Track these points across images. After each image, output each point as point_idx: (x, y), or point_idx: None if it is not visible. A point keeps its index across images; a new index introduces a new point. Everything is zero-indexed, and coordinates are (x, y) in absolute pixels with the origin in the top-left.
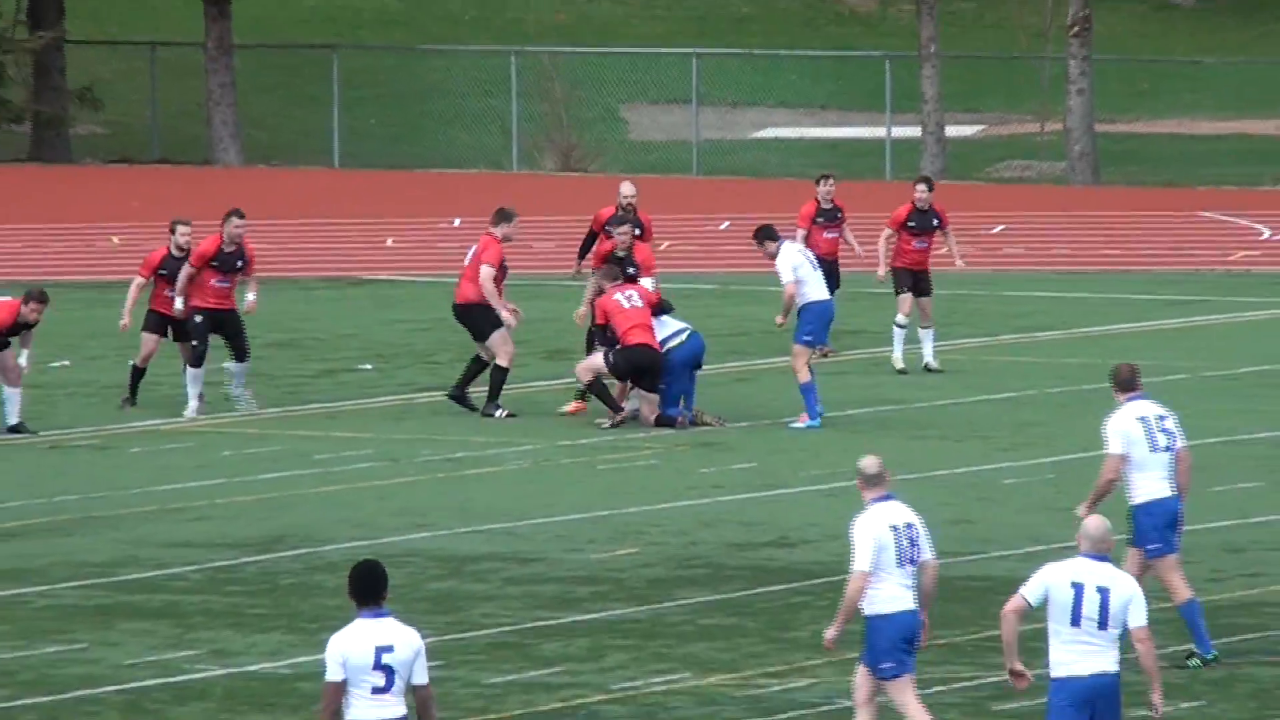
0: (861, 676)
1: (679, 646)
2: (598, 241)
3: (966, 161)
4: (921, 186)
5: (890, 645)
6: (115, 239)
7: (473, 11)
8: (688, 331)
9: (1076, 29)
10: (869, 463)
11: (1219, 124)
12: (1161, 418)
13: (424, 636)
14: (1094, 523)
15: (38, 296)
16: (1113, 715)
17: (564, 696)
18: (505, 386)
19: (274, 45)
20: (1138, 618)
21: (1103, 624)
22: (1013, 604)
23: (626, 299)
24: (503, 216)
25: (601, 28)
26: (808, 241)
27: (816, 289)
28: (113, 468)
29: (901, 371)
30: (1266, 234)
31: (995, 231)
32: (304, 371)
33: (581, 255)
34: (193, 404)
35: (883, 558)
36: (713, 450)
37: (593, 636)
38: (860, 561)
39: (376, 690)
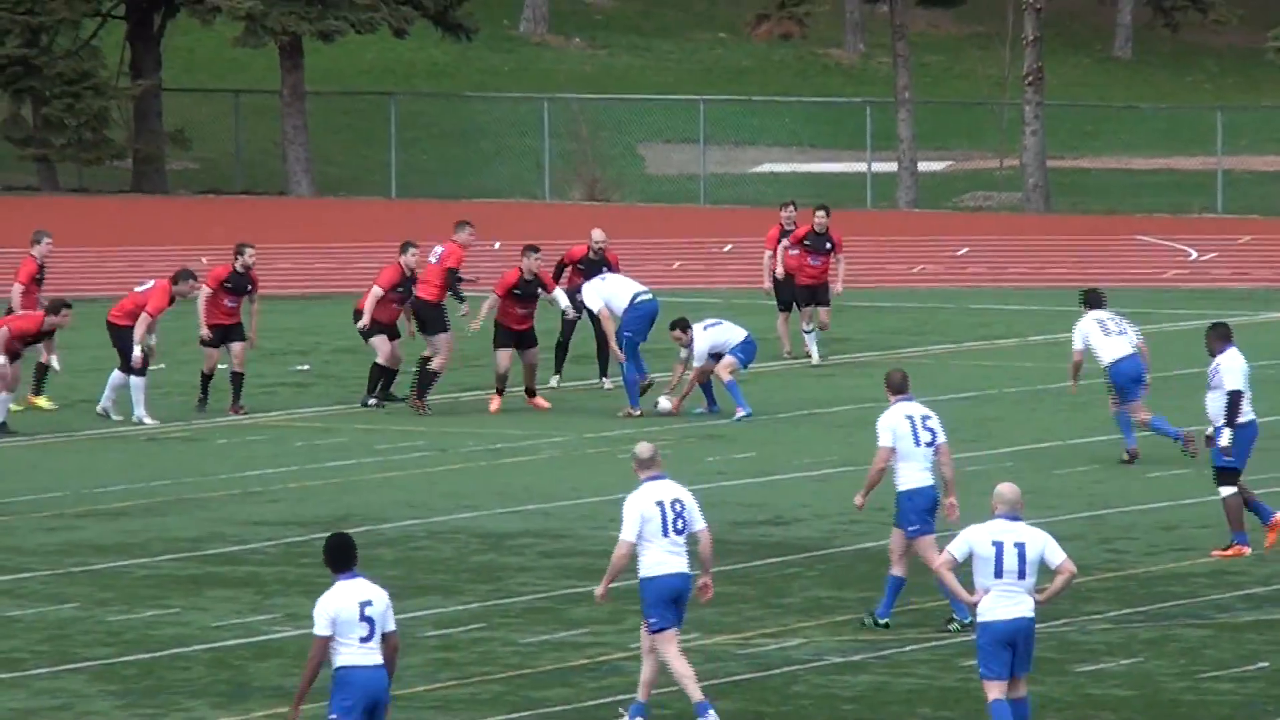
0: (643, 631)
1: (688, 611)
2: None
3: (935, 192)
4: (820, 213)
5: (656, 601)
6: (205, 259)
7: (511, 64)
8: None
9: (1031, 79)
10: (643, 448)
11: (1153, 160)
12: (925, 417)
13: (467, 603)
14: (1008, 488)
15: (66, 304)
16: (1028, 651)
17: (590, 654)
18: (434, 388)
19: (340, 92)
20: (1057, 557)
21: (1021, 574)
22: (941, 559)
23: None
24: (460, 226)
25: (621, 77)
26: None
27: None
28: (201, 456)
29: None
30: (1194, 255)
31: (960, 253)
32: (366, 374)
33: (555, 279)
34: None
35: (648, 529)
36: (717, 441)
37: (614, 602)
38: (626, 532)
39: (363, 640)
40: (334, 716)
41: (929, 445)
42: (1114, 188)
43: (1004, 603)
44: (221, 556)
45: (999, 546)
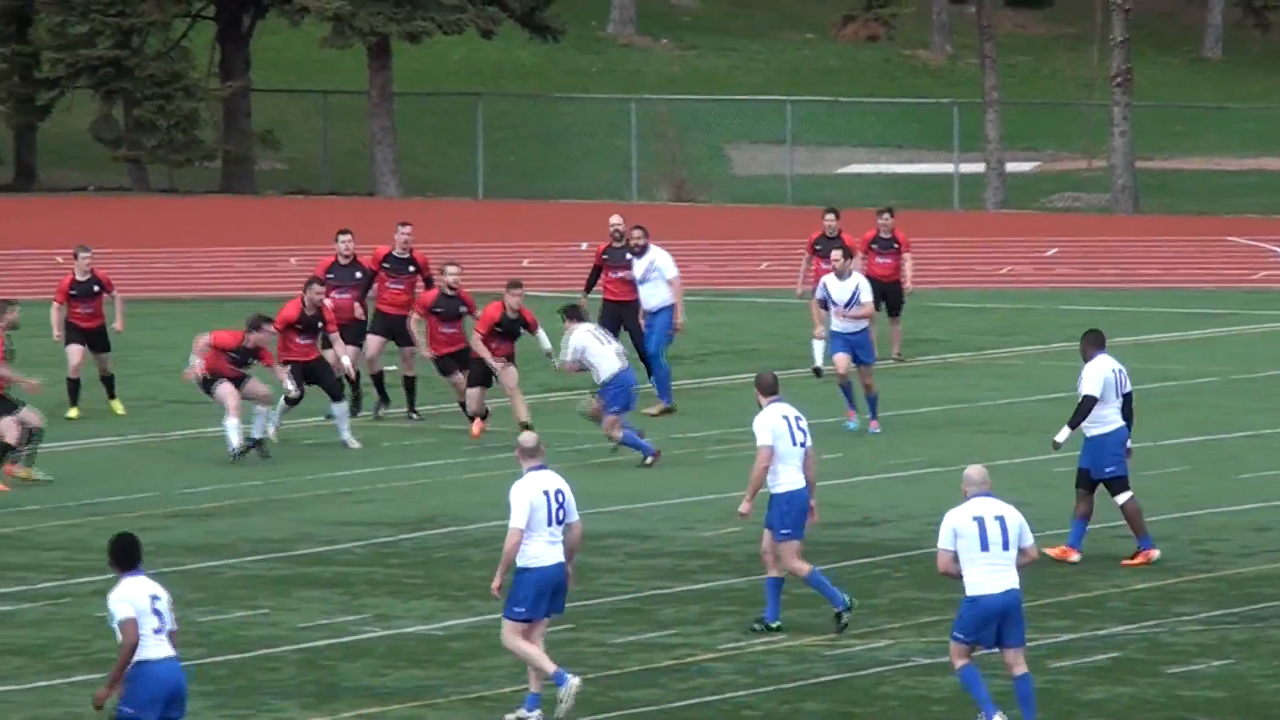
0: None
1: (783, 611)
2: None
3: (1024, 193)
4: (884, 215)
5: (534, 593)
6: (293, 259)
7: (598, 65)
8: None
9: (1119, 80)
10: (527, 438)
11: (1243, 161)
12: (798, 418)
13: None
14: (975, 470)
15: (265, 319)
16: (1019, 622)
17: (677, 655)
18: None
19: (428, 93)
20: (1028, 539)
21: (1005, 545)
22: (941, 562)
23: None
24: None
25: (709, 78)
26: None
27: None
28: (290, 458)
29: (817, 371)
30: None
31: (1049, 254)
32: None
33: (588, 288)
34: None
35: (534, 517)
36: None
37: (702, 603)
38: (516, 520)
39: (156, 631)
40: (127, 711)
41: (802, 446)
42: (1203, 189)
43: (991, 577)
44: (310, 557)
45: (980, 521)
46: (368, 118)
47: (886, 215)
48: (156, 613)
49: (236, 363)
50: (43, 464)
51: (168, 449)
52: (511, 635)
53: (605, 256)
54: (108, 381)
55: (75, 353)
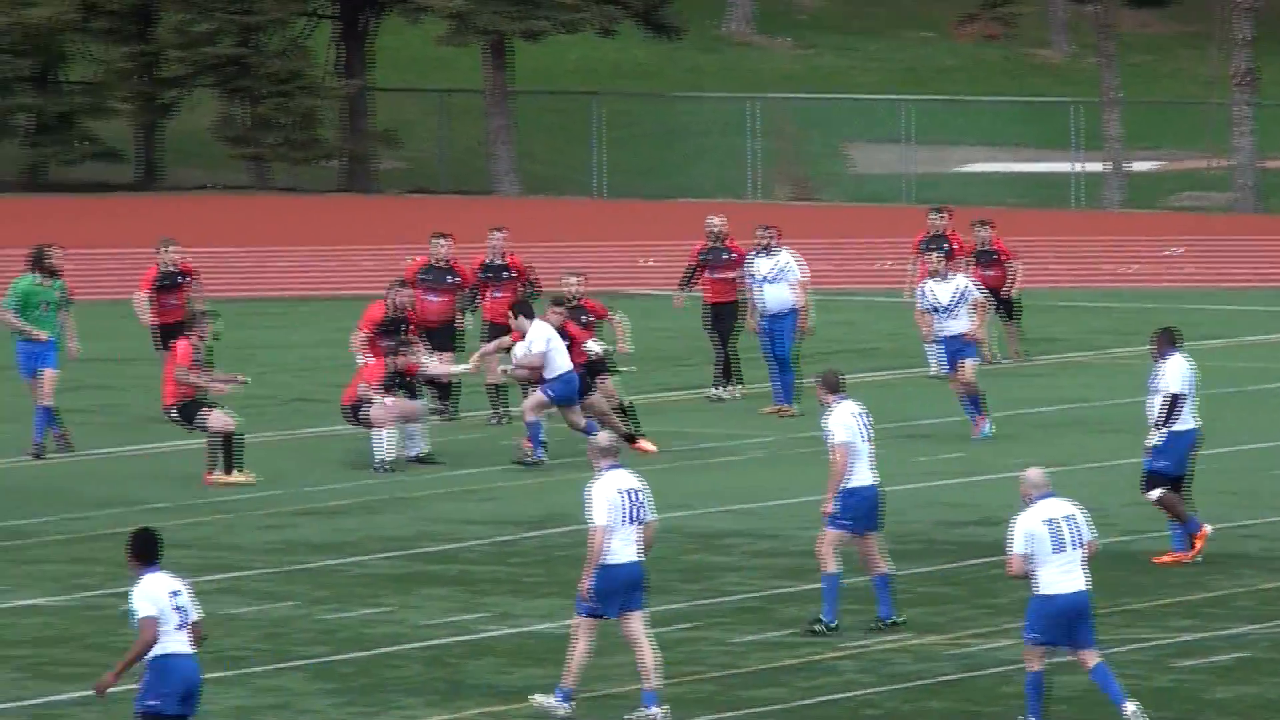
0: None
1: (899, 611)
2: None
3: (1146, 192)
4: (982, 230)
5: (610, 591)
6: (412, 258)
7: (717, 64)
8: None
9: (1242, 79)
10: (602, 437)
11: None
12: (866, 414)
13: (676, 602)
14: (1035, 472)
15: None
16: (1088, 625)
17: (800, 654)
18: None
19: (546, 92)
20: (1090, 533)
21: (1076, 545)
22: (1014, 566)
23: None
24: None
25: (827, 77)
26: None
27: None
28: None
29: (940, 375)
30: None
31: (1173, 253)
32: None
33: (682, 286)
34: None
35: (611, 516)
36: (925, 441)
37: (818, 604)
38: (598, 519)
39: (177, 627)
40: (154, 703)
41: (870, 442)
42: None
43: (1065, 577)
44: (434, 555)
45: (1051, 523)
46: (486, 116)
47: (983, 229)
48: (178, 608)
49: (389, 333)
50: (164, 461)
51: (292, 447)
52: (589, 633)
53: (704, 257)
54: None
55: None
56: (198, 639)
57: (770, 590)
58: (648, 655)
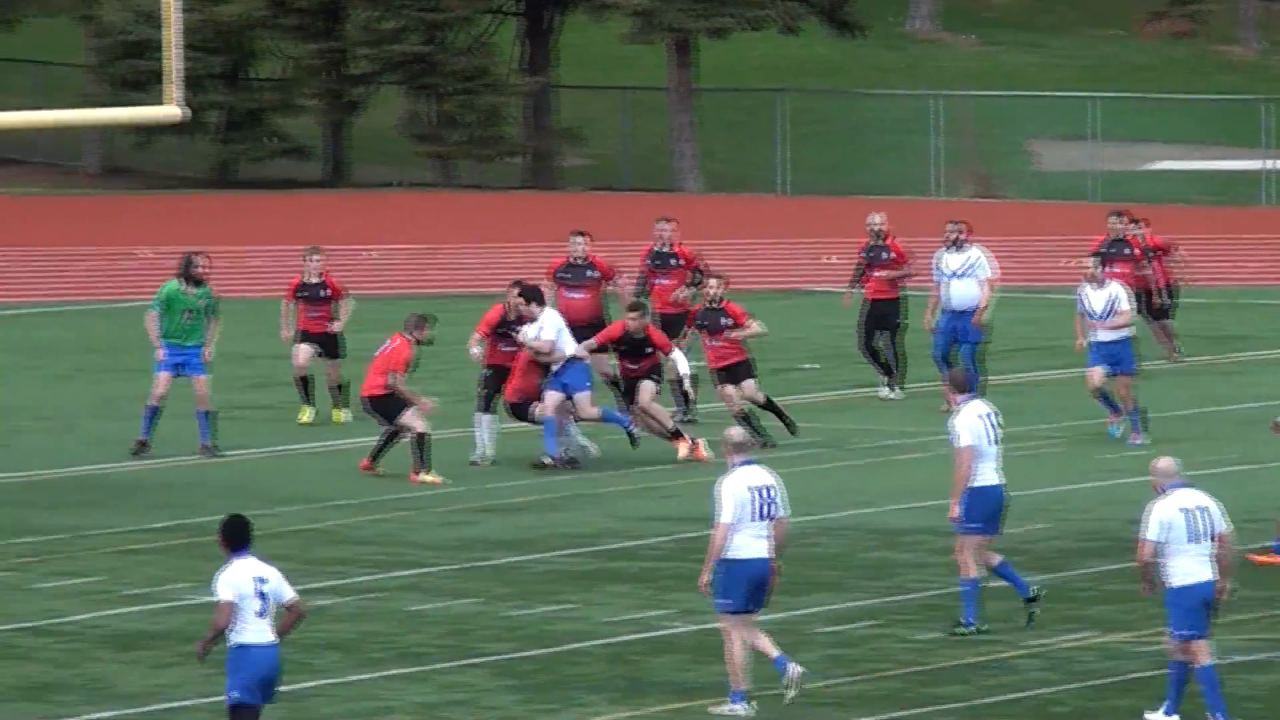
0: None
1: (1084, 608)
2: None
3: None
4: (1114, 218)
5: (741, 586)
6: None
7: (901, 61)
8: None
9: None
10: (735, 433)
11: None
12: (995, 414)
13: (860, 600)
14: (1165, 461)
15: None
16: (1212, 615)
17: (983, 651)
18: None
19: (729, 89)
20: (1224, 525)
21: (1210, 536)
22: (1145, 552)
23: None
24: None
25: (1012, 74)
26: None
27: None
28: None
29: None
30: None
31: None
32: (758, 370)
33: (853, 284)
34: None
35: (741, 512)
36: (1111, 439)
37: (1008, 600)
38: (724, 515)
39: (258, 614)
40: (236, 695)
41: (997, 444)
42: None
43: (1199, 567)
44: (617, 552)
45: (1187, 513)
46: (670, 113)
47: (1127, 223)
48: (261, 595)
49: (505, 338)
50: (349, 458)
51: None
52: (740, 628)
53: (865, 255)
54: (335, 390)
55: (301, 352)
56: (294, 620)
57: (954, 587)
58: (741, 653)
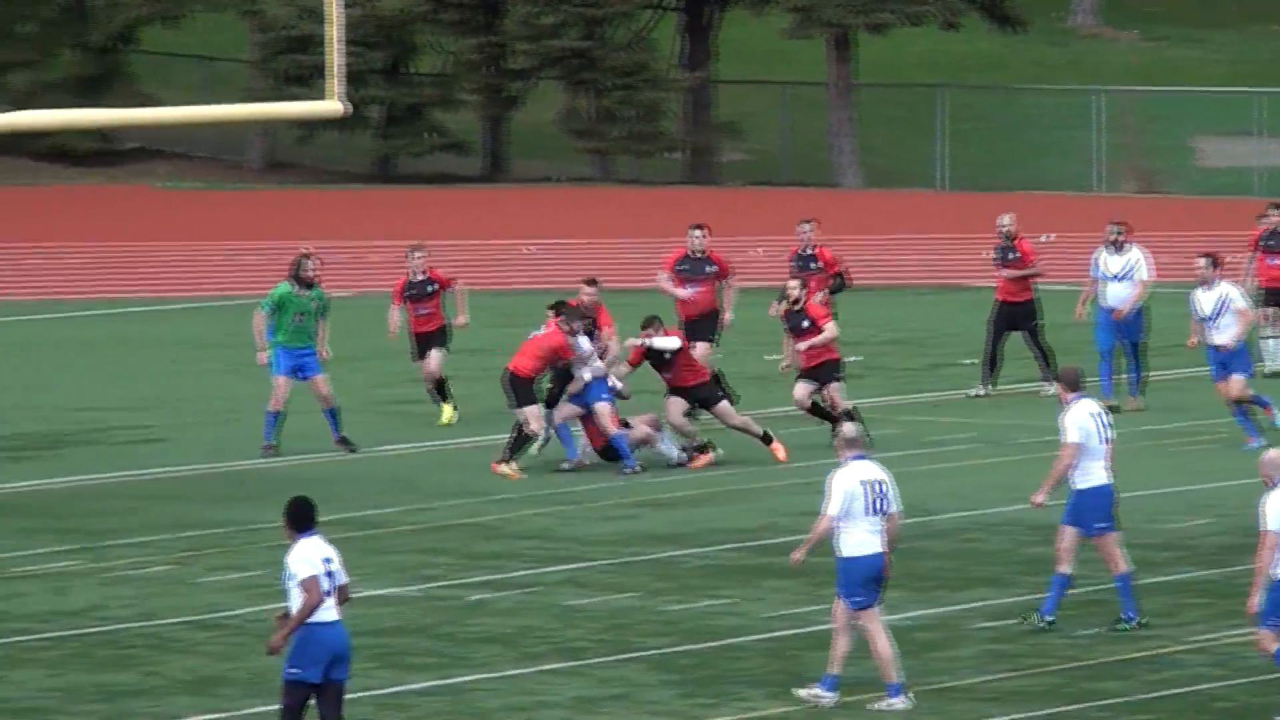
0: (838, 606)
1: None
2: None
3: None
4: (1274, 210)
5: (859, 581)
6: (758, 250)
7: (1062, 57)
8: None
9: None
10: (849, 429)
11: None
12: (1106, 413)
13: (1020, 595)
14: (1276, 453)
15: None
16: None
17: (1145, 647)
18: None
19: (889, 84)
20: None
21: None
22: (1267, 543)
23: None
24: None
25: (1174, 69)
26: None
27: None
28: (760, 450)
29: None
30: None
31: None
32: (914, 365)
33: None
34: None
35: (853, 506)
36: (1268, 434)
37: (1170, 595)
38: (831, 507)
39: (325, 594)
40: (295, 671)
41: (1108, 442)
42: None
43: None
44: (776, 547)
45: None
46: (829, 109)
47: (1276, 214)
48: (329, 575)
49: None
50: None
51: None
52: (870, 622)
53: (993, 255)
54: (436, 386)
55: (432, 358)
56: (342, 602)
57: (1111, 583)
58: (885, 647)
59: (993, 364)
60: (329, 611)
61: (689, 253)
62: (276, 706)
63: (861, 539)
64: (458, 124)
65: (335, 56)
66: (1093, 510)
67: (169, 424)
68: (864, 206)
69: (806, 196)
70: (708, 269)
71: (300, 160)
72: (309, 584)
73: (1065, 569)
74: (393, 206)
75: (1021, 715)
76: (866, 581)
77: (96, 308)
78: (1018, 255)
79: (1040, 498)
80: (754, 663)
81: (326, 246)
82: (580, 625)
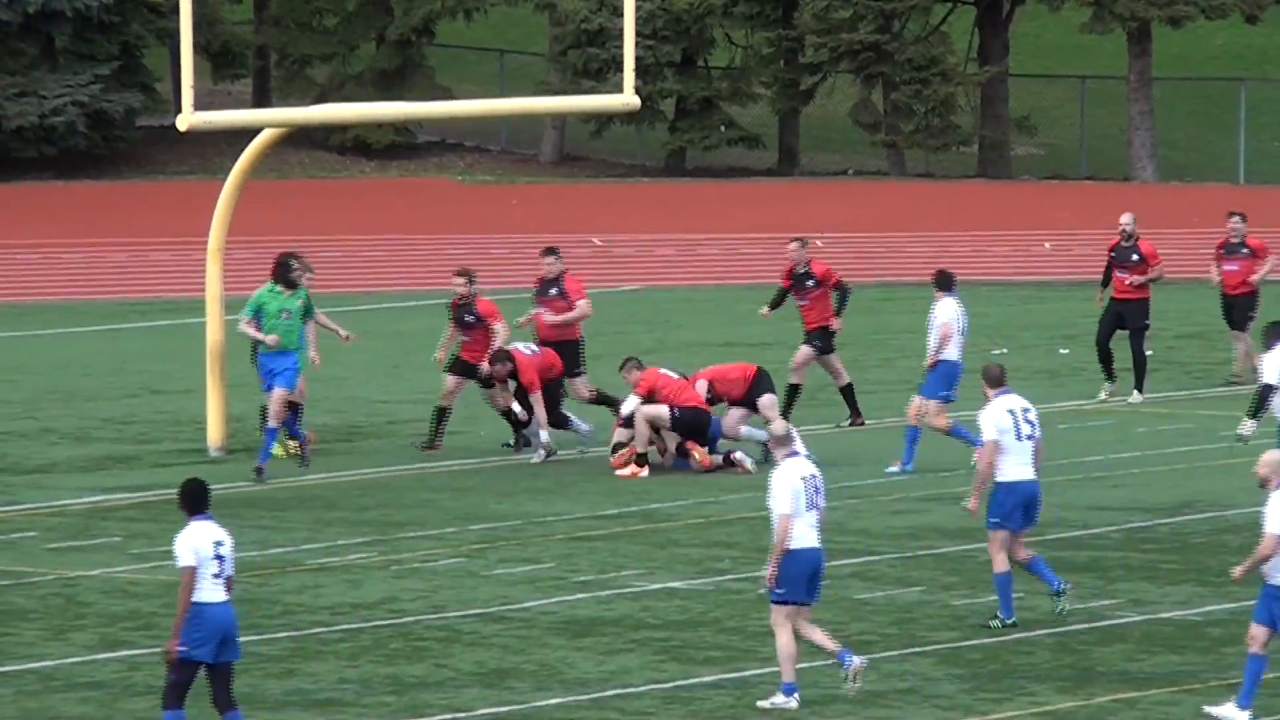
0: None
1: None
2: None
3: None
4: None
5: (795, 576)
6: (1047, 244)
7: None
8: None
9: None
10: (779, 427)
11: None
12: (1026, 410)
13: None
14: (1275, 454)
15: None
16: None
17: None
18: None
19: (1188, 78)
20: None
21: None
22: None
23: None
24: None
25: None
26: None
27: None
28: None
29: None
30: None
31: None
32: (1209, 360)
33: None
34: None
35: (797, 503)
36: None
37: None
38: (782, 506)
39: (214, 576)
40: (184, 648)
41: (1029, 439)
42: None
43: None
44: (1064, 541)
45: None
46: (1126, 103)
47: (1235, 220)
48: (219, 558)
49: None
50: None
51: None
52: (797, 618)
53: (1112, 254)
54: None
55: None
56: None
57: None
58: (817, 635)
59: (1107, 363)
60: (218, 592)
61: (795, 267)
62: (558, 700)
63: (801, 533)
64: (750, 117)
65: (630, 50)
66: (998, 503)
67: (457, 417)
68: (1158, 200)
69: (1100, 190)
70: (809, 283)
71: (592, 153)
72: (184, 574)
73: (1011, 563)
74: (684, 200)
75: None
76: (811, 576)
77: (379, 301)
78: (1141, 257)
79: (971, 503)
80: (1042, 657)
81: (617, 240)
82: (868, 619)
